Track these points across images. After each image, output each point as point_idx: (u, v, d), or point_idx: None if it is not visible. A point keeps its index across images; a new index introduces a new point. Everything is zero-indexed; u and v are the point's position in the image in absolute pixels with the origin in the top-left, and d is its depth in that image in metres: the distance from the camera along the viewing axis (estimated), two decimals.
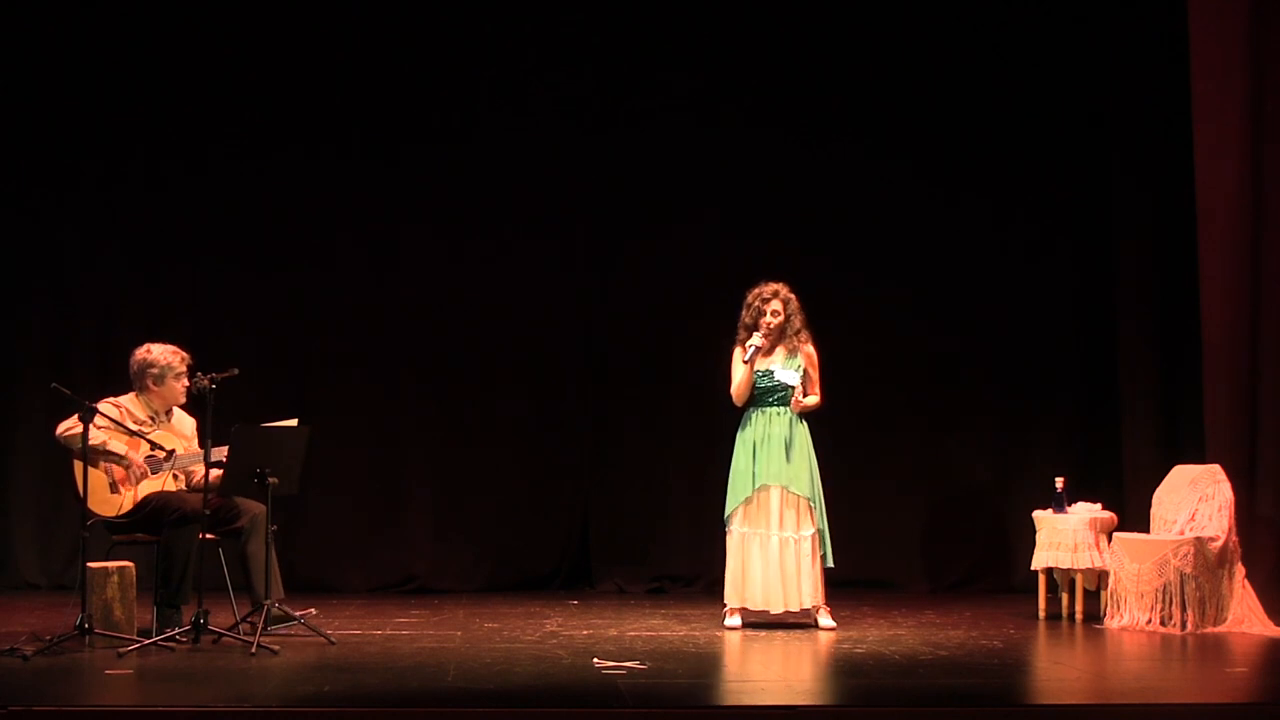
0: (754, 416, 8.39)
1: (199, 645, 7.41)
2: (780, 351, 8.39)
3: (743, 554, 8.28)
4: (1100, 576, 8.75)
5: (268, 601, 7.64)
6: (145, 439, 7.78)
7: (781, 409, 8.35)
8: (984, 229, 10.39)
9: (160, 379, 8.00)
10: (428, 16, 10.21)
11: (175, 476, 7.95)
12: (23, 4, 10.01)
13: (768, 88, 10.32)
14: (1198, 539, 8.31)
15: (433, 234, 10.27)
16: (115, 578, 7.65)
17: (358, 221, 10.24)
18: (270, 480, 7.50)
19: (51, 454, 9.07)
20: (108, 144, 10.12)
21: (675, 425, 10.28)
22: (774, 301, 8.41)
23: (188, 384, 7.99)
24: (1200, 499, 8.47)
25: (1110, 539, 8.72)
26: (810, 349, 8.42)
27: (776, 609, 8.25)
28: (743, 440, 8.38)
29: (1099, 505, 9.01)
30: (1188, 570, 8.27)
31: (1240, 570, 8.37)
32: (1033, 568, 8.97)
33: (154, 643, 7.35)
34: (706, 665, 7.36)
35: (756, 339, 8.31)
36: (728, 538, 8.38)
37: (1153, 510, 8.73)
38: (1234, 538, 8.38)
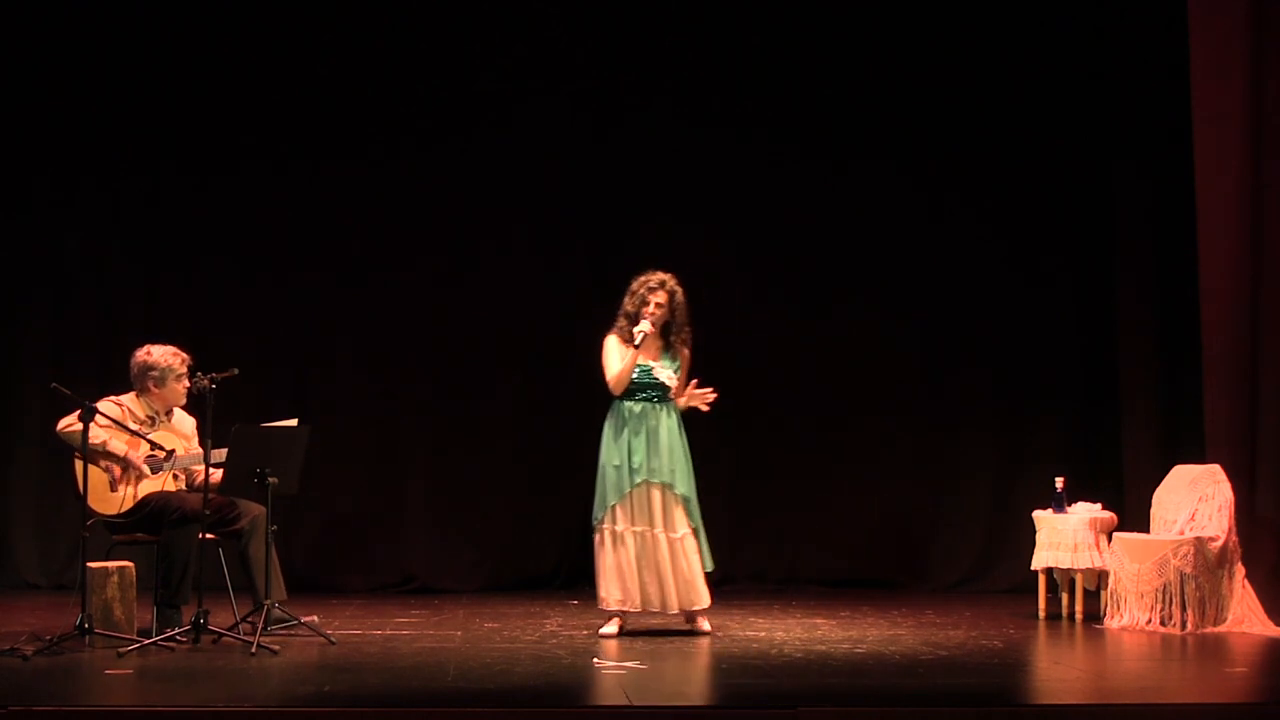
0: (629, 409, 8.02)
1: (199, 645, 7.40)
2: (659, 348, 8.09)
3: (625, 554, 7.92)
4: (1100, 576, 8.75)
5: (268, 601, 7.64)
6: (145, 439, 7.78)
7: (659, 404, 8.05)
8: (985, 228, 10.39)
9: (161, 381, 7.99)
10: (426, 21, 10.21)
11: (175, 477, 7.95)
12: (26, 9, 10.02)
13: (768, 94, 10.33)
14: (1198, 539, 8.31)
15: (432, 234, 10.28)
16: (115, 578, 7.65)
17: (357, 222, 10.25)
18: (270, 480, 7.51)
19: (51, 454, 9.10)
20: (108, 144, 10.12)
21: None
22: (660, 293, 8.05)
23: (188, 385, 7.99)
24: (1200, 499, 8.47)
25: (1110, 539, 8.72)
26: (688, 351, 8.13)
27: (672, 610, 7.98)
28: (614, 433, 8.01)
29: (1099, 505, 9.00)
30: (1188, 570, 8.27)
31: (1240, 570, 8.37)
32: (1033, 568, 8.97)
33: (154, 643, 7.35)
34: (706, 665, 7.36)
35: (645, 325, 7.96)
36: (598, 536, 7.99)
37: (1153, 510, 8.73)
38: (1234, 538, 8.37)
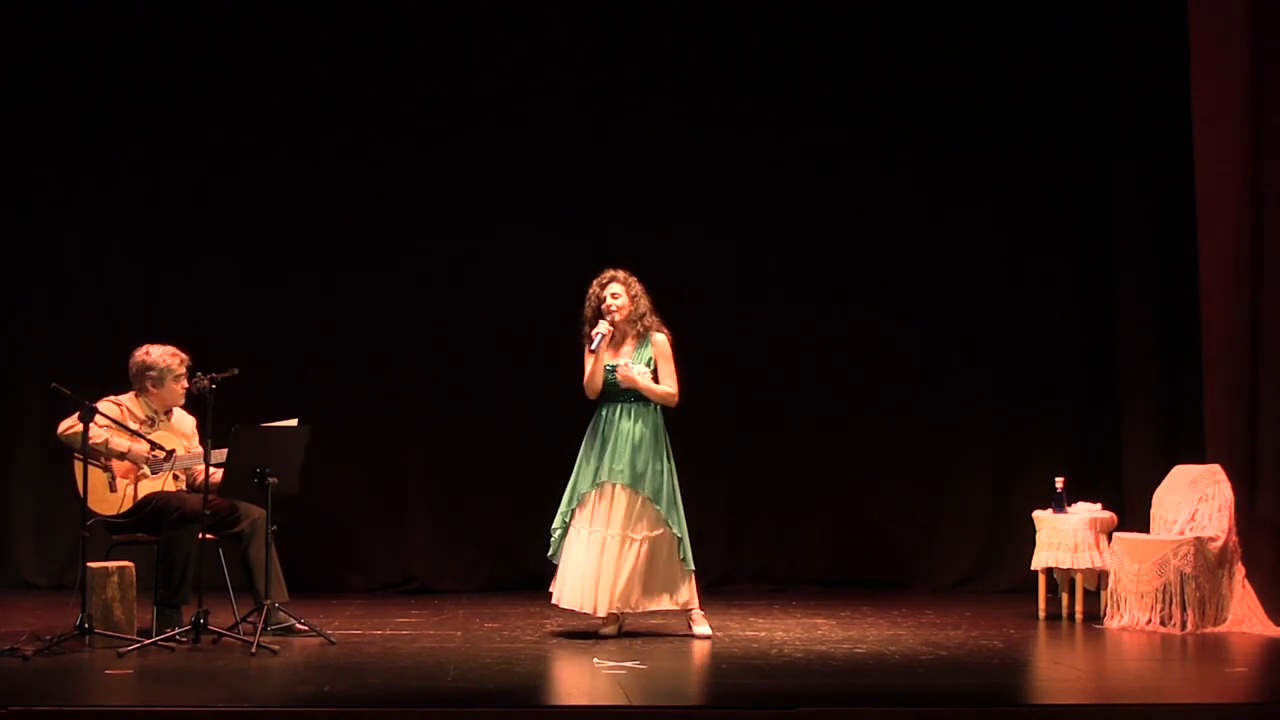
0: (605, 412, 8.02)
1: (199, 645, 7.41)
2: (629, 342, 8.04)
3: (580, 554, 7.90)
4: (1100, 576, 8.75)
5: (268, 601, 7.64)
6: (146, 439, 7.78)
7: (634, 404, 8.00)
8: (985, 229, 10.40)
9: (159, 381, 7.99)
10: (426, 21, 10.21)
11: (176, 477, 7.95)
12: (26, 9, 10.02)
13: (768, 94, 10.33)
14: (1198, 539, 8.31)
15: (431, 234, 10.27)
16: (115, 578, 7.65)
17: (357, 221, 10.24)
18: (270, 480, 7.51)
19: (51, 454, 9.10)
20: (108, 144, 10.12)
21: (673, 424, 10.26)
22: (613, 285, 8.03)
23: (186, 385, 7.99)
24: (1200, 499, 8.47)
25: (1110, 539, 8.72)
26: (661, 336, 8.03)
27: (604, 612, 7.91)
28: (590, 435, 8.03)
29: (1099, 505, 9.01)
30: (1188, 570, 8.27)
31: (1240, 570, 8.37)
32: (1033, 568, 8.97)
33: (154, 643, 7.35)
34: (706, 665, 7.36)
35: (603, 325, 7.94)
36: (565, 538, 8.01)
37: (1153, 510, 8.73)
38: (1234, 538, 8.38)
